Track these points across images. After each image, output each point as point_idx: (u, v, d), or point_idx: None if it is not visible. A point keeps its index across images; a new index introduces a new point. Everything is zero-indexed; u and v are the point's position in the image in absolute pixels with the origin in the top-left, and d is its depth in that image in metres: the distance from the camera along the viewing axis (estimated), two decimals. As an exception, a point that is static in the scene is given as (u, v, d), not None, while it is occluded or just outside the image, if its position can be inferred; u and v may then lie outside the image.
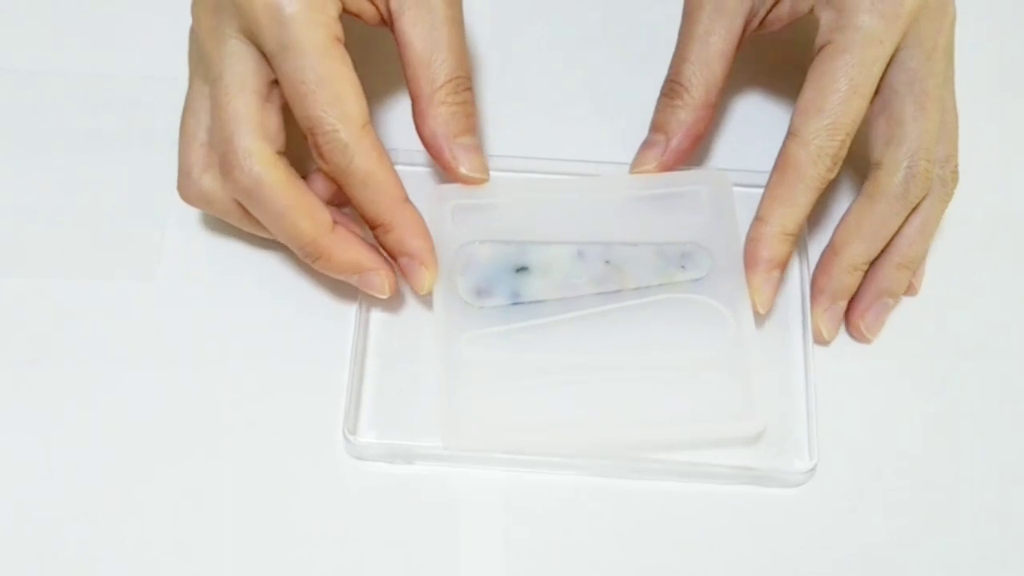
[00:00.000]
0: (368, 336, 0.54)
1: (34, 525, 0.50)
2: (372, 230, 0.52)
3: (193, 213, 0.56)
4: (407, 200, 0.51)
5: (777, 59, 0.60)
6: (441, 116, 0.52)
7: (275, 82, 0.50)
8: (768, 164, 0.53)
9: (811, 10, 0.52)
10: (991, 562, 0.51)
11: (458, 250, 0.53)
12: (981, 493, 0.52)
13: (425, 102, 0.51)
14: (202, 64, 0.51)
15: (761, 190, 0.53)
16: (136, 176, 0.57)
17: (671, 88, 0.55)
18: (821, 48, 0.51)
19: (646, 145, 0.55)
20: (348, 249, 0.51)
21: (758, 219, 0.52)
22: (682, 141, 0.54)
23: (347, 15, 0.51)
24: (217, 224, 0.56)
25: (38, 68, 0.60)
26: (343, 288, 0.54)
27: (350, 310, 0.54)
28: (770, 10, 0.54)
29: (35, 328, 0.54)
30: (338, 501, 0.51)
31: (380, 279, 0.51)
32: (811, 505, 0.52)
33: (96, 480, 0.51)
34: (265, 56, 0.49)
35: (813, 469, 0.52)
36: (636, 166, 0.55)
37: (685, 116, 0.54)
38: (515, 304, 0.53)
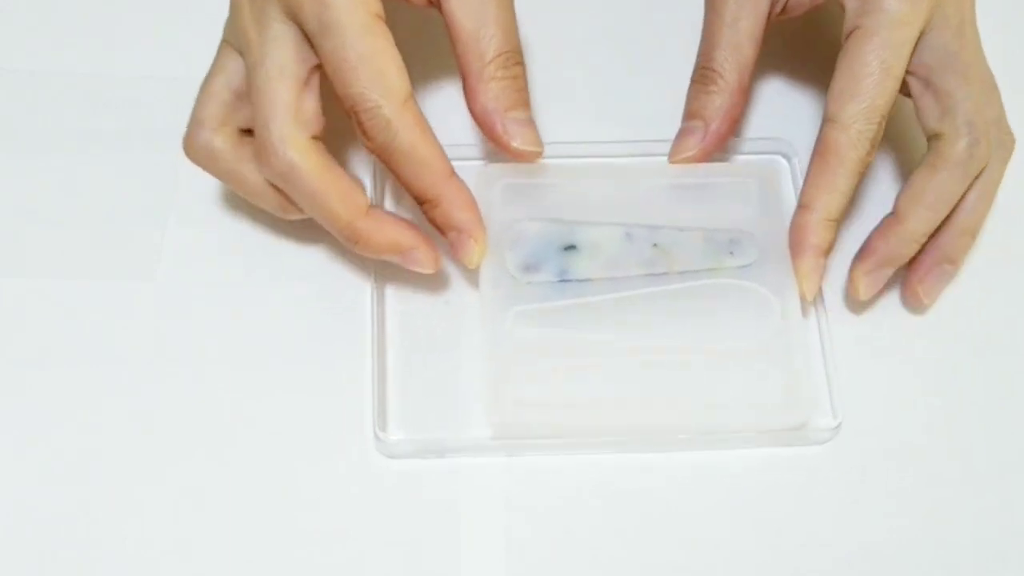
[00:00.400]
0: (385, 332, 0.54)
1: (35, 526, 0.50)
2: (420, 206, 0.52)
3: (193, 213, 0.56)
4: (454, 174, 0.51)
5: (789, 43, 0.61)
6: (492, 91, 0.51)
7: (316, 67, 0.50)
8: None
9: None
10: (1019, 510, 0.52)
11: (507, 227, 0.54)
12: (1008, 444, 0.53)
13: (475, 78, 0.51)
14: (241, 42, 0.51)
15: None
16: (136, 176, 0.57)
17: (703, 75, 0.55)
18: (850, 34, 0.51)
19: (684, 132, 0.55)
20: (385, 230, 0.51)
21: (802, 207, 0.53)
22: (721, 126, 0.55)
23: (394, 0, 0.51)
24: (218, 223, 0.56)
25: (38, 68, 0.60)
26: (352, 285, 0.54)
27: (356, 307, 0.54)
28: None
29: (35, 328, 0.54)
30: (369, 499, 0.51)
31: (422, 255, 0.51)
32: (837, 462, 0.53)
33: (98, 481, 0.51)
34: (307, 36, 0.49)
35: (838, 427, 0.52)
36: (676, 154, 0.55)
37: (721, 101, 0.54)
38: (562, 281, 0.53)
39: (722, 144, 0.55)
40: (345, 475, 0.51)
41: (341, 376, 0.53)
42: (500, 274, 0.53)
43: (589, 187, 0.55)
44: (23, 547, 0.50)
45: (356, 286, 0.54)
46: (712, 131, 0.54)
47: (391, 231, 0.51)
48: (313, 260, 0.55)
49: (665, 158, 0.56)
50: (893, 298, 0.56)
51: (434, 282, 0.55)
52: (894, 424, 0.53)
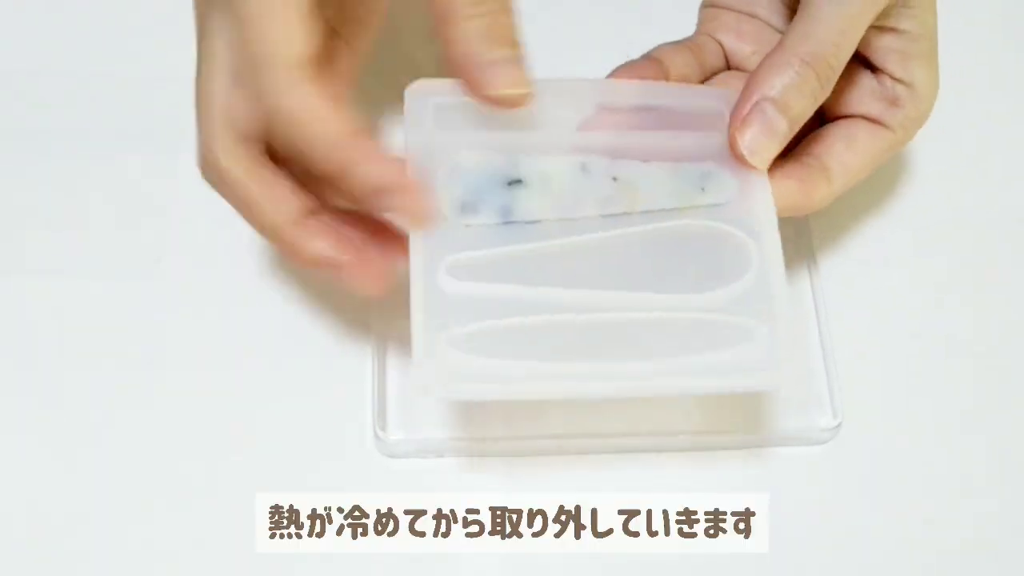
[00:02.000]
0: (387, 332, 0.53)
1: (36, 525, 0.50)
2: (335, 191, 0.46)
3: (193, 213, 0.56)
4: (357, 133, 0.44)
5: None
6: (467, 32, 0.43)
7: None
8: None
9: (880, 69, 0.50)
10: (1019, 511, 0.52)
11: (439, 158, 0.46)
12: (1009, 444, 0.53)
13: (447, 21, 0.44)
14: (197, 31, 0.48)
15: None
16: (136, 176, 0.57)
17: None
18: (870, 119, 0.50)
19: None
20: (313, 242, 0.46)
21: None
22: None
23: None
24: (218, 223, 0.56)
25: (38, 68, 0.60)
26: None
27: (356, 307, 0.54)
28: None
29: (35, 327, 0.54)
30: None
31: (356, 272, 0.46)
32: (837, 462, 0.53)
33: (98, 480, 0.51)
34: None
35: (838, 427, 0.52)
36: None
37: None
38: (506, 224, 0.46)
39: None
40: (345, 475, 0.51)
41: (341, 376, 0.53)
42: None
43: (539, 108, 0.46)
44: (24, 547, 0.50)
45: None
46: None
47: (319, 244, 0.46)
48: (313, 260, 0.55)
49: (629, 78, 0.49)
50: (893, 298, 0.56)
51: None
52: (894, 424, 0.53)
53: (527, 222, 0.46)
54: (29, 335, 0.54)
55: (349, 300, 0.54)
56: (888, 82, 0.50)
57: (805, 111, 0.47)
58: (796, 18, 0.48)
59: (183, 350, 0.53)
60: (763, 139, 0.47)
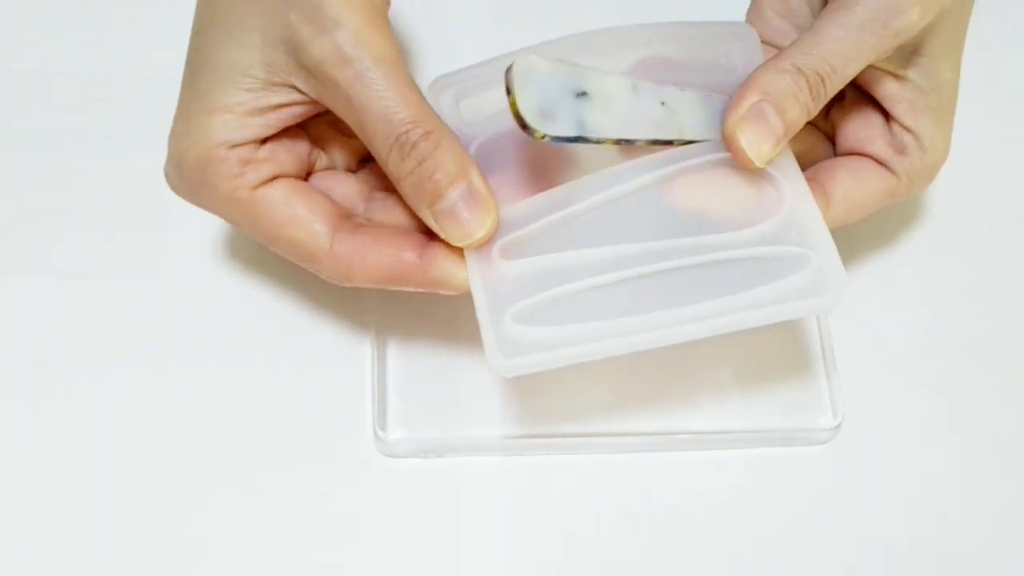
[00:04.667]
0: (386, 331, 0.53)
1: (35, 525, 0.50)
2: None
3: (193, 213, 0.56)
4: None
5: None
6: (407, 193, 0.45)
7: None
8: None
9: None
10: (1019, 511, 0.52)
11: (513, 62, 0.45)
12: (1008, 445, 0.54)
13: (393, 183, 0.46)
14: None
15: None
16: (136, 176, 0.57)
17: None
18: (887, 166, 0.50)
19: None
20: (368, 256, 0.46)
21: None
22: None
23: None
24: (218, 223, 0.56)
25: (38, 68, 0.60)
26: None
27: (356, 306, 0.54)
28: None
29: (35, 327, 0.54)
30: (370, 498, 0.51)
31: (442, 263, 0.46)
32: (837, 462, 0.53)
33: (97, 480, 0.51)
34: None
35: (838, 427, 0.52)
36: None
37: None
38: (578, 138, 0.46)
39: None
40: (345, 475, 0.51)
41: (341, 376, 0.53)
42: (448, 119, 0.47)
43: (578, 56, 0.48)
44: (24, 547, 0.50)
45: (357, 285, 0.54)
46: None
47: (375, 255, 0.46)
48: (313, 260, 0.55)
49: (641, 26, 0.50)
50: (893, 298, 0.56)
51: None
52: (894, 424, 0.53)
53: (593, 139, 0.46)
54: (29, 335, 0.53)
55: (349, 300, 0.55)
56: (897, 129, 0.50)
57: (798, 119, 0.47)
58: (804, 32, 0.48)
59: (183, 350, 0.53)
60: (762, 138, 0.47)
